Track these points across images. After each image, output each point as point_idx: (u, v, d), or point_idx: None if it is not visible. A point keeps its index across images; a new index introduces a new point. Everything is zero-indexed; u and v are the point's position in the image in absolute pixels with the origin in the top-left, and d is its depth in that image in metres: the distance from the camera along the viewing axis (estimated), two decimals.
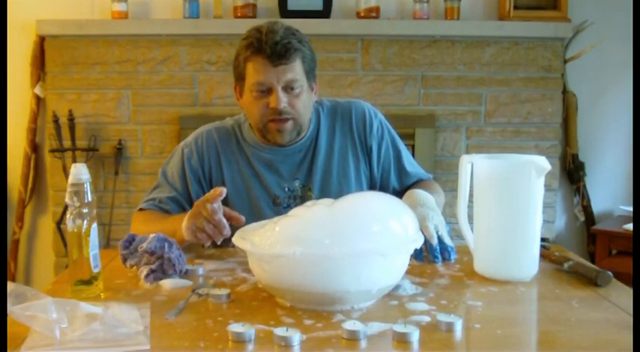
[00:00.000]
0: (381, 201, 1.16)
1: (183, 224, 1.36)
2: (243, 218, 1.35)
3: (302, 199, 1.57)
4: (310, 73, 1.54)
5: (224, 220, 1.32)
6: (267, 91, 1.49)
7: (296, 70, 1.49)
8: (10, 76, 2.81)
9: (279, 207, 1.57)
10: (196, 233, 1.34)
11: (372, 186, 1.65)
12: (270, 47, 1.45)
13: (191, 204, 1.50)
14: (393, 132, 1.69)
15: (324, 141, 1.62)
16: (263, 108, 1.50)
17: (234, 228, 1.24)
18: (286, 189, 1.60)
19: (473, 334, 0.97)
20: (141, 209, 1.60)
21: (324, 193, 1.55)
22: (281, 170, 1.60)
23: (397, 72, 2.84)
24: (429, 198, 1.43)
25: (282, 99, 1.48)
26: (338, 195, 1.19)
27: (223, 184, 1.58)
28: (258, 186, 1.59)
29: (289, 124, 1.52)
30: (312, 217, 1.08)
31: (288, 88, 1.49)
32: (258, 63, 1.47)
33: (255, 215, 1.48)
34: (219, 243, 1.36)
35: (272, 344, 0.90)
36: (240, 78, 1.54)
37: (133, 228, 1.53)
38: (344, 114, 1.65)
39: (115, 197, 2.82)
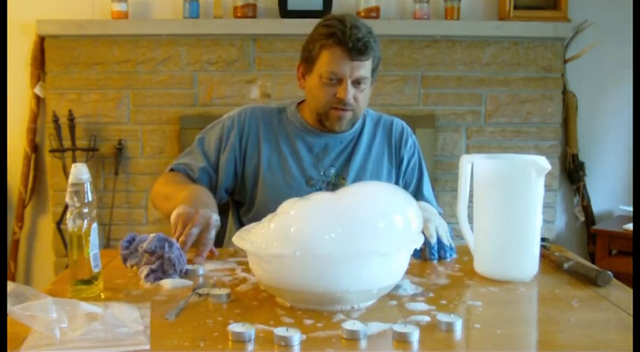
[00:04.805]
0: (386, 193, 1.16)
1: (178, 207, 1.37)
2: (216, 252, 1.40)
3: (334, 186, 1.64)
4: (375, 72, 1.61)
5: (209, 246, 1.35)
6: (336, 81, 1.56)
7: (367, 68, 1.57)
8: (10, 76, 2.82)
9: (312, 188, 1.64)
10: (178, 224, 1.34)
11: None
12: (353, 42, 1.51)
13: (217, 174, 1.62)
14: (422, 157, 1.79)
15: (365, 141, 1.70)
16: (328, 96, 1.57)
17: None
18: (321, 173, 1.66)
19: (473, 334, 0.97)
20: (172, 169, 1.66)
21: None
22: (320, 155, 1.67)
23: (397, 72, 2.84)
24: (432, 208, 1.51)
25: (350, 92, 1.56)
26: None
27: (258, 159, 1.65)
28: (294, 164, 1.65)
29: (349, 114, 1.60)
30: (316, 210, 1.08)
31: (357, 83, 1.56)
32: (336, 53, 1.53)
33: (286, 192, 1.54)
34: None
35: (272, 344, 0.90)
36: (309, 61, 1.59)
37: (155, 186, 1.62)
38: (386, 124, 1.75)
39: (115, 197, 2.82)
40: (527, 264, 1.23)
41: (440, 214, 1.62)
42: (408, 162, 1.74)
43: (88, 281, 1.11)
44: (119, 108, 2.81)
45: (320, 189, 1.64)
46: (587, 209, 3.01)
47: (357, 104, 1.59)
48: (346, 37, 1.51)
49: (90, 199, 1.10)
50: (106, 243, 2.79)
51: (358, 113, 1.62)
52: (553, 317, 1.04)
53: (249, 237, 1.10)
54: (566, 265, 1.26)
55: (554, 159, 2.91)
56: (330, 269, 1.01)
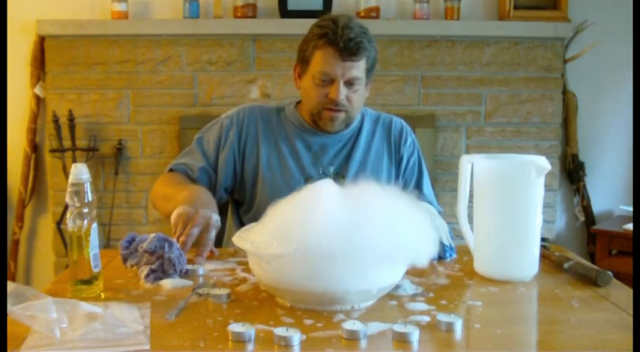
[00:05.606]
0: (387, 193, 1.16)
1: (178, 208, 1.37)
2: (216, 252, 1.40)
3: None
4: (370, 72, 1.61)
5: (209, 246, 1.35)
6: (329, 81, 1.56)
7: (360, 68, 1.56)
8: (10, 76, 2.82)
9: None
10: (178, 224, 1.35)
11: None
12: (344, 42, 1.51)
13: (216, 174, 1.62)
14: (421, 155, 1.78)
15: (364, 140, 1.70)
16: (321, 97, 1.57)
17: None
18: (321, 172, 1.66)
19: (473, 334, 0.97)
20: (171, 169, 1.66)
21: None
22: (319, 154, 1.67)
23: (397, 72, 2.84)
24: (432, 208, 1.52)
25: (342, 92, 1.55)
26: None
27: (257, 158, 1.65)
28: (293, 163, 1.65)
29: (342, 115, 1.60)
30: (316, 210, 1.07)
31: (349, 83, 1.56)
32: (328, 54, 1.53)
33: (285, 191, 1.51)
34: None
35: (272, 344, 0.90)
36: (304, 61, 1.60)
37: (154, 186, 1.62)
38: (385, 122, 1.75)
39: (115, 197, 2.82)
40: (527, 264, 1.23)
41: (440, 214, 1.62)
42: (408, 161, 1.74)
43: (88, 281, 1.11)
44: (119, 108, 2.81)
45: None
46: (587, 209, 3.01)
47: (350, 105, 1.58)
48: (337, 37, 1.50)
49: (90, 199, 1.10)
50: (106, 243, 2.79)
51: (352, 114, 1.61)
52: (553, 317, 1.04)
53: (249, 237, 1.10)
54: (566, 265, 1.26)
55: (554, 159, 2.91)
56: (330, 269, 1.01)
